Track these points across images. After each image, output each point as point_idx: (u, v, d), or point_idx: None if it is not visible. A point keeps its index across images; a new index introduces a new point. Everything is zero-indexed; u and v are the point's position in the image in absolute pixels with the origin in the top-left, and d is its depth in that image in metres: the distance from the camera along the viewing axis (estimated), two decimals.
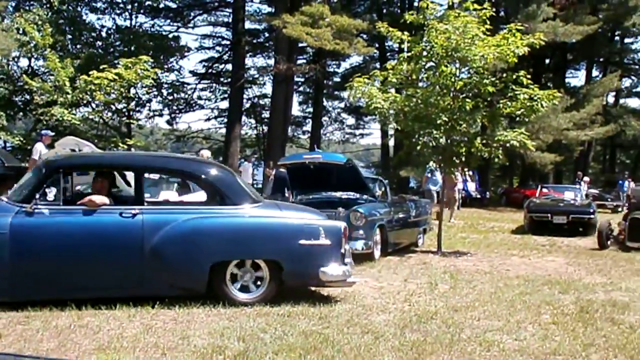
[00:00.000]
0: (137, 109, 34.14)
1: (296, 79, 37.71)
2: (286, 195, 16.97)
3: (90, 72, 20.30)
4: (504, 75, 14.62)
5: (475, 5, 14.44)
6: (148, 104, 35.81)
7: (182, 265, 8.27)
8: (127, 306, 7.98)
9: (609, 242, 16.69)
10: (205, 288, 8.32)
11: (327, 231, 8.56)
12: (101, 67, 20.34)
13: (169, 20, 37.03)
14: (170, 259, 8.20)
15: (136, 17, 35.53)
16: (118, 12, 34.79)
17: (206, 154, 18.29)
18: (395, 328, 7.56)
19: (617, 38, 44.58)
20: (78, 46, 30.97)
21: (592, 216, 20.08)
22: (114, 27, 34.08)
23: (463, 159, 14.93)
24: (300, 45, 32.85)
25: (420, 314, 8.32)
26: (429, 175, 22.45)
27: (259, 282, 8.54)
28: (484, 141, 14.74)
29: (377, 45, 37.44)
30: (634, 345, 7.18)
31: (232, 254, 8.46)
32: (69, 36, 31.02)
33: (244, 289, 8.52)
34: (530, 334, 7.55)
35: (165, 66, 34.71)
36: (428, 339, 7.10)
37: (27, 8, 27.69)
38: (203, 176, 9.05)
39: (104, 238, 8.17)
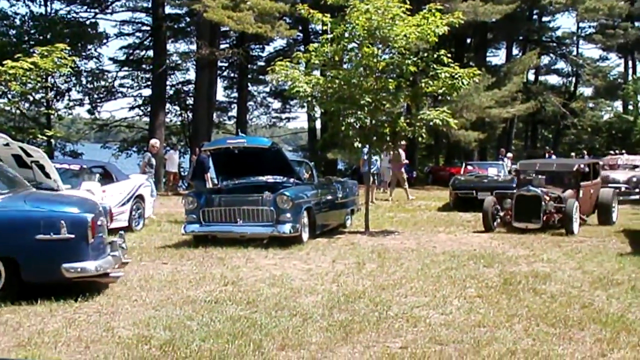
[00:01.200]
0: (57, 98, 33.20)
1: (220, 64, 37.18)
2: (205, 179, 17.02)
3: (4, 62, 19.52)
4: (426, 54, 14.73)
5: None
6: (68, 94, 34.83)
7: None
8: (49, 301, 7.78)
9: (495, 224, 15.30)
10: None
11: (70, 224, 7.99)
12: (16, 57, 19.63)
13: (85, 7, 35.96)
14: None
15: (51, 4, 34.45)
16: None
17: (155, 143, 18.35)
18: (324, 309, 7.58)
19: (535, 17, 45.45)
20: None
21: (515, 191, 20.38)
22: (29, 15, 32.99)
23: (388, 138, 15.05)
24: (222, 29, 32.41)
25: (348, 293, 8.36)
26: (365, 157, 22.52)
27: None
28: (408, 121, 14.87)
29: (300, 28, 37.27)
30: (555, 313, 7.38)
31: None
32: None
33: None
34: (455, 307, 7.68)
35: (84, 54, 33.79)
36: (356, 318, 7.14)
37: None
38: None
39: None
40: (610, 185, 22.30)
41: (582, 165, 16.73)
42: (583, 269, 10.24)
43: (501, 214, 15.34)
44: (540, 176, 15.56)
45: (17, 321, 7.02)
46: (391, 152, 20.64)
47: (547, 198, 14.90)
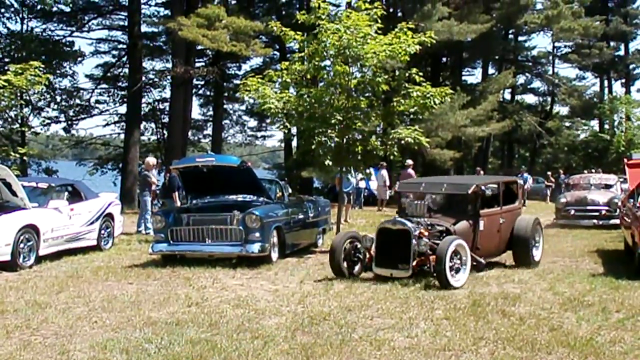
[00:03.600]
0: (32, 115, 32.98)
1: (195, 82, 37.11)
2: (173, 197, 16.97)
3: None
4: (397, 73, 14.70)
5: (367, 5, 14.46)
6: (44, 111, 34.65)
7: None
8: (7, 322, 7.58)
9: (357, 268, 11.26)
10: None
11: None
12: None
13: (62, 25, 35.89)
14: None
15: (28, 22, 34.29)
16: (8, 16, 33.49)
17: (152, 161, 18.35)
18: (287, 331, 7.43)
19: (511, 36, 45.82)
20: None
21: None
22: (5, 32, 32.84)
23: (360, 157, 14.95)
24: (198, 47, 32.35)
25: (314, 315, 8.21)
26: (339, 175, 22.40)
27: None
28: (380, 139, 14.80)
29: (277, 46, 37.27)
30: (523, 336, 7.26)
31: None
32: None
33: None
34: (421, 330, 7.54)
35: (59, 71, 33.59)
36: (319, 341, 7.00)
37: None
38: None
39: None
40: (589, 207, 20.47)
41: (483, 187, 12.05)
42: (554, 290, 10.11)
43: (360, 255, 11.39)
44: (420, 201, 11.78)
45: None
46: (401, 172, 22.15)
47: (425, 233, 10.85)
